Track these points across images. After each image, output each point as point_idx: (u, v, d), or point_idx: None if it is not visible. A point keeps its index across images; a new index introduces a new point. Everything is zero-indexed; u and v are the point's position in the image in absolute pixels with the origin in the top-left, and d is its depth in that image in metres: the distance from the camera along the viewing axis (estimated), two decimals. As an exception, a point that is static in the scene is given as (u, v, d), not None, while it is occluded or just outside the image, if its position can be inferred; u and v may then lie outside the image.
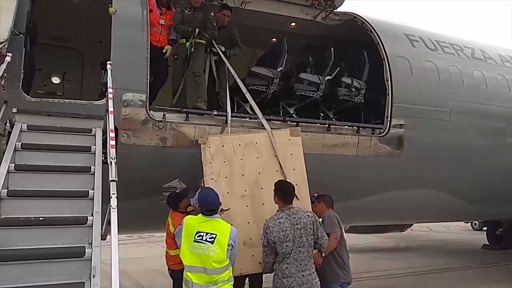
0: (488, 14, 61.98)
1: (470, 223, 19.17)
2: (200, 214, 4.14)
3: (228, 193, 4.98)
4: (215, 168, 5.04)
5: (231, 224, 4.25)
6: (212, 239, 3.91)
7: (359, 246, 13.92)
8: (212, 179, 5.00)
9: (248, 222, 4.92)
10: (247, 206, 5.00)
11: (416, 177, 7.74)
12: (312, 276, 4.26)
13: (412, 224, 14.38)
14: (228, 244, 3.97)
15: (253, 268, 4.65)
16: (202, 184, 5.08)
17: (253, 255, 4.72)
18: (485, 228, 15.57)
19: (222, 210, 4.69)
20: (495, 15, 62.65)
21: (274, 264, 4.36)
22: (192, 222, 4.09)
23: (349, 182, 7.10)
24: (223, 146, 5.17)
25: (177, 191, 5.39)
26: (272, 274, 4.42)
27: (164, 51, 6.10)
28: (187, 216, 4.28)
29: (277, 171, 5.15)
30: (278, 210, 4.42)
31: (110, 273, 2.92)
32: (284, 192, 4.49)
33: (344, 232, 5.24)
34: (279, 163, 5.16)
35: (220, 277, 3.92)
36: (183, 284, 4.11)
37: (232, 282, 4.05)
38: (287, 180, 4.95)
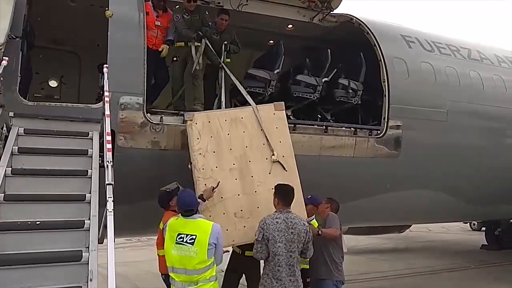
0: (488, 14, 61.64)
1: (469, 223, 19.21)
2: (181, 216, 4.13)
3: (216, 167, 5.05)
4: (202, 143, 5.12)
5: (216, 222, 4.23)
6: (192, 240, 3.91)
7: (358, 247, 13.92)
8: (200, 154, 5.06)
9: (238, 194, 4.98)
10: (236, 179, 5.05)
11: (414, 178, 7.76)
12: (299, 283, 4.34)
13: (411, 225, 14.40)
14: (209, 244, 3.93)
15: (245, 239, 4.75)
16: (190, 167, 5.10)
17: (244, 226, 4.82)
18: (483, 228, 15.60)
19: (213, 188, 4.79)
20: (495, 15, 62.36)
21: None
22: (175, 224, 4.10)
23: (347, 183, 7.11)
24: (209, 122, 5.25)
25: (167, 190, 5.39)
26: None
27: (160, 49, 6.10)
28: (171, 218, 4.28)
29: (263, 144, 5.23)
30: (276, 211, 4.45)
31: (107, 277, 2.91)
32: (284, 194, 4.53)
33: (342, 235, 5.25)
34: (265, 136, 5.26)
35: (201, 276, 3.92)
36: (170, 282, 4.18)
37: (215, 282, 4.04)
38: (274, 156, 5.11)
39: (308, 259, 4.95)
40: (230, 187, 4.99)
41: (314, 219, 5.32)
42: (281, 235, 4.24)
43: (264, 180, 4.96)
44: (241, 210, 4.92)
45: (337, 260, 5.06)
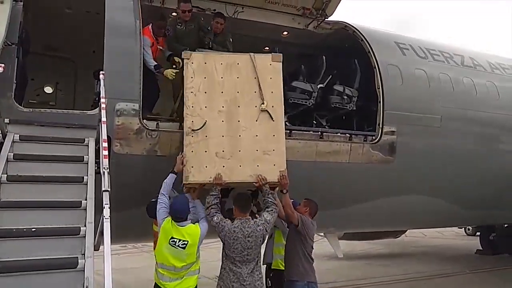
0: (488, 14, 61.04)
1: (463, 228, 19.28)
2: (172, 220, 4.50)
3: (206, 107, 5.18)
4: (195, 82, 5.23)
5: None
6: (184, 245, 4.37)
7: (353, 253, 13.93)
8: (192, 92, 5.20)
9: (222, 136, 5.12)
10: (223, 121, 5.17)
11: (408, 183, 7.80)
12: (256, 278, 4.66)
13: (406, 230, 14.44)
14: (198, 246, 4.50)
15: (223, 177, 4.94)
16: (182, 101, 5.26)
17: (224, 166, 4.99)
18: (478, 233, 15.67)
19: (182, 162, 4.93)
20: (495, 15, 61.81)
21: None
22: (168, 227, 4.48)
23: (343, 189, 7.15)
24: (205, 63, 5.34)
25: (153, 200, 5.38)
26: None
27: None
28: (165, 220, 4.56)
29: (255, 92, 5.31)
30: (236, 219, 4.71)
31: (103, 284, 2.91)
32: (241, 202, 4.82)
33: (313, 241, 5.37)
34: (258, 84, 5.33)
35: (187, 271, 4.45)
36: (155, 274, 4.59)
37: (198, 274, 4.55)
38: (263, 105, 5.21)
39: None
40: (215, 127, 5.12)
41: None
42: (236, 243, 4.58)
43: (250, 126, 5.13)
44: (223, 151, 5.06)
45: (311, 261, 5.20)
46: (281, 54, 5.69)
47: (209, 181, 4.88)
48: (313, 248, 5.32)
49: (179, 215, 4.49)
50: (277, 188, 5.22)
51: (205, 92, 5.23)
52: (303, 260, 5.12)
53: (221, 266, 4.77)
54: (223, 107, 5.20)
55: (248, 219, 4.72)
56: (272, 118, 5.24)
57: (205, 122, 5.05)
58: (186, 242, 4.39)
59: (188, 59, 5.34)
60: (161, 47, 6.29)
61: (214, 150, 5.02)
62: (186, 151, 4.98)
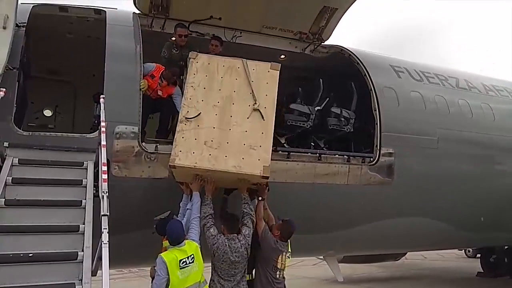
0: (488, 14, 60.88)
1: (464, 250, 19.10)
2: (172, 247, 4.58)
3: (202, 100, 5.47)
4: (197, 79, 5.57)
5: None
6: (193, 259, 4.60)
7: (354, 276, 13.73)
8: (192, 87, 5.53)
9: (213, 127, 5.34)
10: (216, 114, 5.42)
11: (407, 205, 7.78)
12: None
13: (406, 253, 14.29)
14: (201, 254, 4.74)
15: (207, 164, 5.14)
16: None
17: (210, 154, 5.19)
18: (479, 255, 15.50)
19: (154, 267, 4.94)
20: (495, 15, 61.74)
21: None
22: (172, 256, 4.50)
23: (341, 211, 7.12)
24: (209, 64, 5.69)
25: (162, 218, 5.39)
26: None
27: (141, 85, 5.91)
28: (162, 254, 4.56)
29: (250, 93, 5.57)
30: (225, 237, 5.03)
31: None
32: (228, 222, 5.20)
33: (276, 261, 5.30)
34: (254, 87, 5.60)
35: (200, 282, 4.64)
36: None
37: (207, 284, 4.79)
38: (255, 104, 5.45)
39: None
40: (208, 119, 5.37)
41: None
42: (225, 256, 4.91)
43: (241, 122, 5.39)
44: (212, 141, 5.26)
45: (272, 281, 5.22)
46: (280, 64, 5.96)
47: (194, 166, 5.08)
48: (277, 269, 5.33)
49: (177, 240, 4.59)
50: (259, 198, 5.48)
51: (204, 88, 5.52)
52: (262, 279, 5.22)
53: (210, 278, 5.02)
54: (218, 102, 5.47)
55: (235, 236, 5.05)
56: (263, 118, 5.47)
57: (199, 113, 5.33)
58: (193, 255, 4.60)
59: (194, 58, 5.70)
60: (160, 92, 6.16)
61: (203, 139, 5.24)
62: (177, 137, 5.23)
